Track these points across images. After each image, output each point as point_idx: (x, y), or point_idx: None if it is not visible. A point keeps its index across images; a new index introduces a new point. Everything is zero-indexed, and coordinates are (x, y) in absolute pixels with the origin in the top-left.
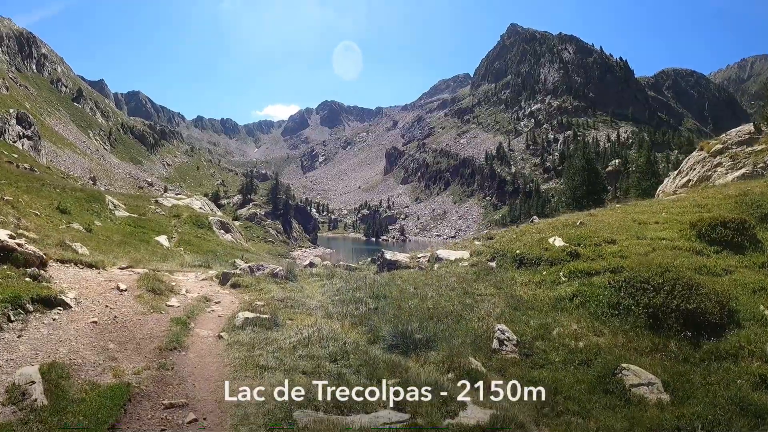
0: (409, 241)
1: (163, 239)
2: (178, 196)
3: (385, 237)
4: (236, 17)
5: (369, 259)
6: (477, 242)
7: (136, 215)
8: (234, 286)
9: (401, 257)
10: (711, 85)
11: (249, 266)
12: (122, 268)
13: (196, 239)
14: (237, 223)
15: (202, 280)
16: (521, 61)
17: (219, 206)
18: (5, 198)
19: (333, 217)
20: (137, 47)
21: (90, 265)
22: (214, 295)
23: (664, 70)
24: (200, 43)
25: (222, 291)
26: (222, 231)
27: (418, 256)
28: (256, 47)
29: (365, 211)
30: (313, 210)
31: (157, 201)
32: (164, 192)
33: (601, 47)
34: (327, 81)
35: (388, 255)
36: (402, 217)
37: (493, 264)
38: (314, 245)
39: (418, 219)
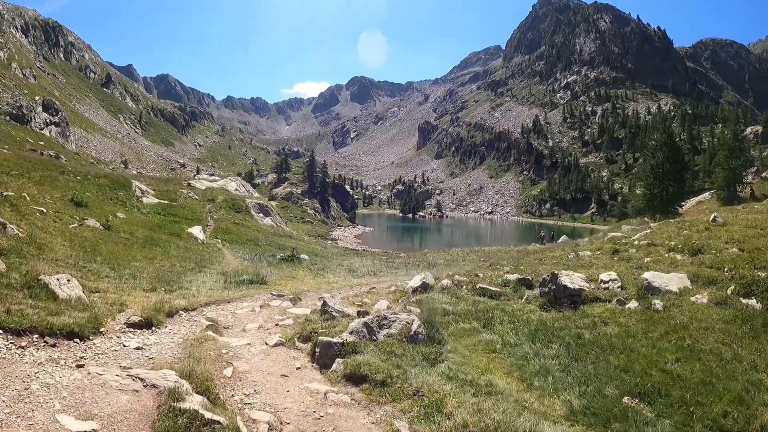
0: (446, 216)
1: (196, 230)
2: (212, 177)
3: (421, 213)
4: None
5: (506, 274)
6: (639, 243)
7: (166, 201)
8: (354, 378)
9: (580, 282)
10: (751, 56)
11: (365, 322)
12: (131, 326)
13: (234, 226)
14: (273, 203)
15: (275, 346)
16: (555, 31)
17: (254, 186)
18: (6, 194)
19: (367, 193)
20: (165, 31)
21: (70, 333)
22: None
23: (703, 40)
24: (227, 25)
25: (332, 394)
26: (261, 215)
27: (602, 278)
28: (284, 26)
29: (400, 187)
30: (347, 186)
31: (189, 184)
32: (197, 173)
33: (638, 16)
34: (356, 57)
35: (566, 279)
36: (437, 192)
37: (755, 303)
38: (353, 224)
39: (454, 194)
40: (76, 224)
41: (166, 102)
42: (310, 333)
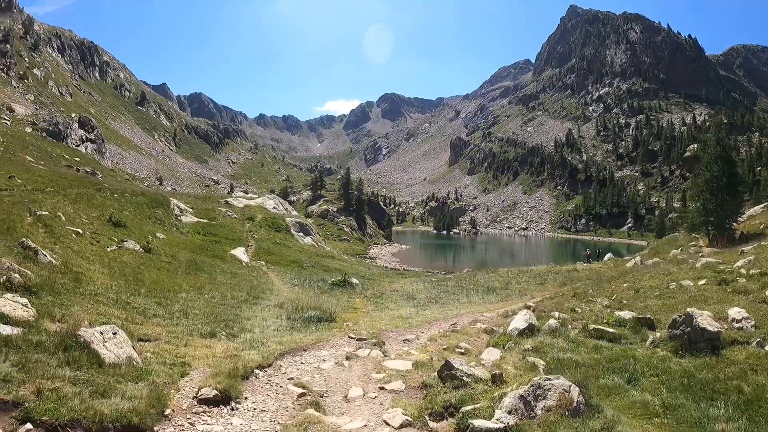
0: (480, 233)
1: (240, 252)
2: (249, 195)
3: (456, 230)
4: (291, 16)
5: (615, 311)
6: (749, 273)
7: (205, 220)
8: None
9: (714, 322)
10: None
11: (521, 395)
12: (204, 402)
13: (275, 246)
14: (310, 221)
15: (402, 428)
16: (585, 43)
17: (289, 203)
18: (39, 213)
19: (400, 210)
20: (196, 51)
21: (127, 428)
22: None
23: (734, 47)
24: (258, 44)
25: None
26: (301, 233)
27: (733, 317)
28: (313, 44)
29: (433, 204)
30: (381, 204)
31: (227, 202)
32: (231, 190)
33: (668, 25)
34: (386, 74)
35: (704, 321)
36: (471, 208)
37: None
38: (389, 242)
39: (488, 210)
40: (114, 247)
41: (200, 120)
42: (444, 408)
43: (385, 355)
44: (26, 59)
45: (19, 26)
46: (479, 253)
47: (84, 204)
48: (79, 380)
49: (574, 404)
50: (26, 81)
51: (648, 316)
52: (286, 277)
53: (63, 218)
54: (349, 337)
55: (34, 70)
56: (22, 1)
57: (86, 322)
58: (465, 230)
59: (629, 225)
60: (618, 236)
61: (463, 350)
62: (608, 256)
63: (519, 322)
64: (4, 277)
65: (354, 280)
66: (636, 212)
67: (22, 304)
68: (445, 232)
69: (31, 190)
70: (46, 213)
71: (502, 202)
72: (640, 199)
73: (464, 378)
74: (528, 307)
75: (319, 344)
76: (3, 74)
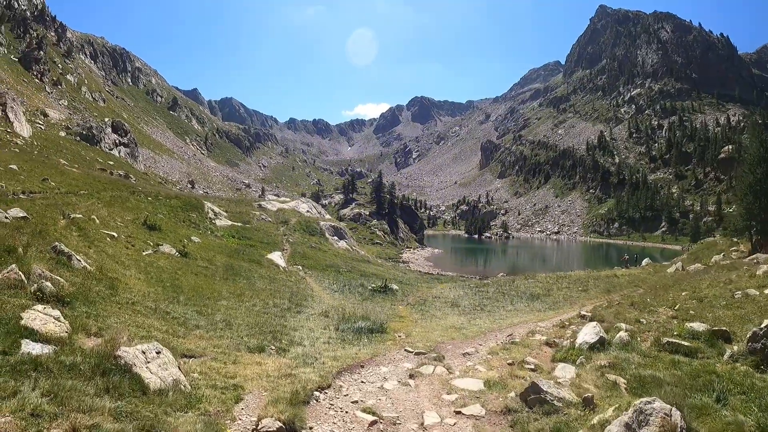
0: (512, 237)
1: (276, 257)
2: (281, 198)
3: (488, 234)
4: (320, 22)
5: (685, 323)
6: None
7: (239, 224)
8: None
9: None
10: None
11: (626, 423)
12: None
13: (310, 251)
14: (342, 224)
15: None
16: (615, 44)
17: (321, 207)
18: (73, 216)
19: (431, 213)
20: (227, 57)
21: None
22: None
23: (767, 44)
24: (286, 50)
25: None
26: (335, 237)
27: None
28: (342, 49)
29: (464, 207)
30: (412, 207)
31: (260, 205)
32: (262, 193)
33: (699, 23)
34: (415, 77)
35: None
36: (502, 212)
37: None
38: (422, 245)
39: (519, 214)
40: (150, 251)
41: (231, 124)
42: None
43: (450, 372)
44: (59, 66)
45: (52, 34)
46: (510, 258)
47: (118, 207)
48: (122, 413)
49: (678, 429)
50: (60, 87)
51: (723, 328)
52: (325, 282)
53: (97, 221)
54: (405, 350)
55: (68, 76)
56: (54, 8)
57: (125, 338)
58: (496, 234)
59: (663, 229)
60: (651, 240)
61: (532, 366)
62: (646, 261)
63: (589, 335)
64: (35, 285)
65: (394, 286)
66: (670, 216)
67: (54, 318)
68: (476, 236)
69: (65, 192)
70: (80, 216)
71: (534, 205)
72: (674, 202)
73: (555, 402)
74: (583, 317)
75: (376, 359)
76: (37, 80)
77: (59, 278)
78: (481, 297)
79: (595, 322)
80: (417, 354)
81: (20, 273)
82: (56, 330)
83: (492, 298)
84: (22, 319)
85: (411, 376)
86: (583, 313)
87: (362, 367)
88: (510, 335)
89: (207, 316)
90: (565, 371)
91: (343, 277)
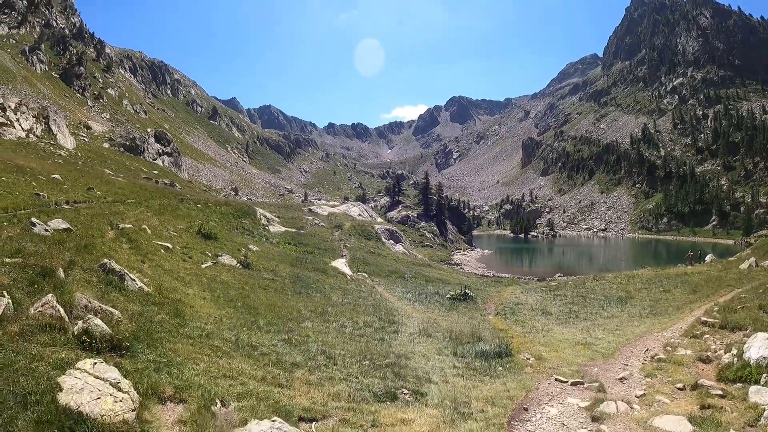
0: (559, 236)
1: (341, 264)
2: (331, 203)
3: (534, 233)
4: (354, 27)
5: None
6: None
7: (293, 229)
8: None
9: None
10: None
11: None
12: None
13: (370, 256)
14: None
15: None
16: (654, 33)
17: None
18: (122, 226)
19: (474, 213)
20: (264, 65)
21: None
22: None
23: None
24: (323, 55)
25: None
26: (391, 241)
27: None
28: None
29: (507, 206)
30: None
31: (311, 210)
32: (305, 198)
33: (739, 7)
34: (451, 77)
35: None
36: (547, 210)
37: None
38: (471, 247)
39: (564, 212)
40: (209, 263)
41: (271, 131)
42: None
43: (632, 408)
44: (100, 80)
45: (91, 50)
46: (556, 257)
47: (169, 215)
48: None
49: None
50: (101, 100)
51: None
52: (396, 291)
53: (149, 231)
54: (556, 379)
55: (109, 90)
56: (92, 26)
57: (219, 404)
58: (543, 233)
59: (714, 223)
60: (702, 235)
61: (720, 392)
62: (709, 257)
63: (764, 347)
64: (80, 324)
65: (471, 293)
66: (720, 209)
67: (111, 382)
68: (522, 236)
69: (112, 201)
70: (130, 226)
71: (579, 202)
72: (723, 194)
73: None
74: (705, 323)
75: (531, 396)
76: (79, 95)
77: (112, 310)
78: (561, 302)
79: (766, 333)
80: (573, 384)
81: (59, 307)
82: (116, 409)
83: (573, 302)
84: (61, 390)
85: (594, 419)
86: (703, 319)
87: (526, 410)
88: (647, 350)
89: (300, 347)
90: (763, 396)
91: (411, 283)
